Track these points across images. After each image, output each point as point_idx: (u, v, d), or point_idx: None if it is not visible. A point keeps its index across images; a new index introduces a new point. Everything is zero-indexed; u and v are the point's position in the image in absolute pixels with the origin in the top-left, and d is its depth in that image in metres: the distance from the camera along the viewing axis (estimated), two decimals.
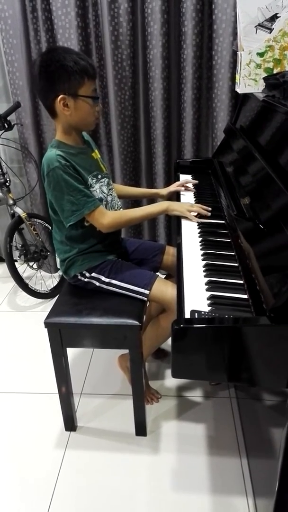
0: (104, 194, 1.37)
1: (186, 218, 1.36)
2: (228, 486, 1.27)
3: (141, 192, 1.74)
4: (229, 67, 1.84)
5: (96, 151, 1.42)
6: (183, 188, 1.60)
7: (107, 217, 1.31)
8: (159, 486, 1.28)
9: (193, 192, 1.61)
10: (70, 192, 1.24)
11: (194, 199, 1.55)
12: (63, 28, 1.95)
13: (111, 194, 1.41)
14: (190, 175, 1.82)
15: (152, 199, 2.21)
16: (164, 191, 1.61)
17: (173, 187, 1.60)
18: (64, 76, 1.19)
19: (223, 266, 1.10)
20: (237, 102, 1.87)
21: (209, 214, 1.35)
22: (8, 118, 2.10)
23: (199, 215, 1.36)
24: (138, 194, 1.72)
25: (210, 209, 1.37)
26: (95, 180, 1.34)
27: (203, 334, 0.83)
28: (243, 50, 1.64)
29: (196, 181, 1.64)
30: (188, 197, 1.57)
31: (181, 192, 1.60)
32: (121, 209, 1.46)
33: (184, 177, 1.79)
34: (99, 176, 1.36)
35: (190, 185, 1.64)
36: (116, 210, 1.42)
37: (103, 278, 1.37)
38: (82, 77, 1.21)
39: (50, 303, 2.25)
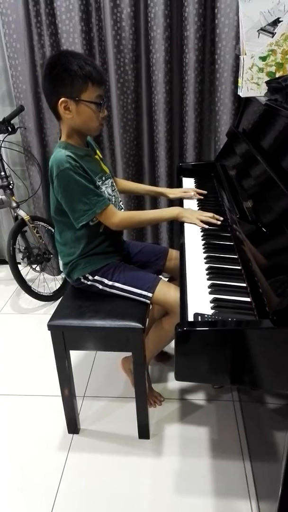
0: (110, 196, 1.38)
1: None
2: (232, 489, 1.27)
3: (146, 189, 1.72)
4: (231, 71, 1.85)
5: (98, 152, 1.43)
6: (192, 193, 1.58)
7: (117, 216, 1.32)
8: (162, 489, 1.28)
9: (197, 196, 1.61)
10: (82, 192, 1.25)
11: (197, 202, 1.56)
12: (67, 33, 1.96)
13: (114, 195, 1.42)
14: (193, 179, 1.82)
15: (155, 199, 2.23)
16: (170, 194, 1.59)
17: (179, 192, 1.59)
18: (67, 80, 1.20)
19: (226, 269, 1.10)
20: (239, 105, 1.88)
21: (219, 222, 1.33)
22: (12, 122, 2.12)
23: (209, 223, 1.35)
24: (143, 191, 1.70)
25: (222, 218, 1.35)
26: (101, 182, 1.35)
27: (206, 337, 0.84)
28: (245, 54, 1.65)
29: (205, 192, 1.61)
30: (190, 200, 1.58)
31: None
32: (123, 210, 1.46)
33: (187, 181, 1.80)
34: (104, 178, 1.37)
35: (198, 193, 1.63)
36: (119, 210, 1.43)
37: (106, 281, 1.38)
38: (85, 82, 1.21)
39: (52, 306, 2.26)
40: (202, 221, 1.34)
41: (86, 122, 1.27)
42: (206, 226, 1.33)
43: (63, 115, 1.25)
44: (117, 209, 1.35)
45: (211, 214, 1.36)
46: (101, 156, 1.44)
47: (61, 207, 1.31)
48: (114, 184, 1.46)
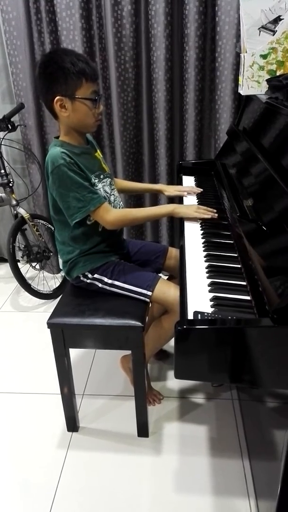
0: (107, 194, 1.37)
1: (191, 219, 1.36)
2: (230, 488, 1.27)
3: (143, 187, 1.73)
4: (232, 69, 1.85)
5: (99, 151, 1.43)
6: (185, 193, 1.59)
7: (112, 214, 1.31)
8: (161, 487, 1.28)
9: (195, 194, 1.61)
10: (76, 189, 1.25)
11: (197, 200, 1.56)
12: (67, 30, 1.96)
13: (113, 194, 1.41)
14: (193, 177, 1.82)
15: (154, 195, 2.24)
16: (166, 191, 1.59)
17: (174, 190, 1.60)
18: (61, 78, 1.20)
19: (226, 267, 1.10)
20: (239, 104, 1.87)
21: (216, 216, 1.35)
22: (12, 119, 2.11)
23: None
24: (140, 189, 1.72)
25: (215, 210, 1.36)
26: (97, 180, 1.34)
27: (206, 335, 0.83)
28: (246, 52, 1.65)
29: (201, 189, 1.62)
30: (191, 198, 1.57)
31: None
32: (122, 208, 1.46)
33: (187, 179, 1.80)
34: (102, 176, 1.37)
35: (195, 191, 1.63)
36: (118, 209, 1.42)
37: (105, 280, 1.37)
38: (79, 79, 1.21)
39: (52, 304, 2.26)
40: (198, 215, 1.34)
41: (82, 119, 1.27)
42: (204, 216, 1.33)
43: (59, 113, 1.25)
44: (112, 207, 1.34)
45: (205, 208, 1.36)
46: (101, 155, 1.44)
47: (57, 205, 1.30)
48: (114, 183, 1.45)
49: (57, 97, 1.22)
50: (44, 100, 1.28)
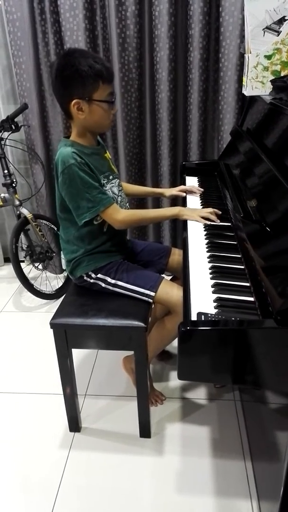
0: (115, 195, 1.38)
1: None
2: (232, 489, 1.26)
3: (146, 191, 1.75)
4: (236, 69, 1.84)
5: (108, 152, 1.43)
6: (184, 194, 1.59)
7: (120, 214, 1.31)
8: (163, 488, 1.28)
9: (199, 194, 1.61)
10: (86, 189, 1.25)
11: (200, 201, 1.56)
12: (71, 30, 1.96)
13: (120, 196, 1.42)
14: (196, 177, 1.82)
15: (156, 198, 2.24)
16: (167, 192, 1.61)
17: (175, 191, 1.60)
18: (79, 81, 1.20)
19: (229, 268, 1.10)
20: (243, 104, 1.87)
21: (218, 221, 1.35)
22: (15, 120, 2.12)
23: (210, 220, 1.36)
24: (143, 192, 1.73)
25: (220, 212, 1.37)
26: (106, 180, 1.35)
27: (209, 336, 0.83)
28: (250, 53, 1.65)
29: (202, 189, 1.63)
30: (193, 199, 1.57)
31: (187, 194, 1.60)
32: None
33: (190, 180, 1.80)
34: (110, 177, 1.37)
35: (195, 190, 1.63)
36: None
37: (109, 280, 1.37)
38: (96, 81, 1.21)
39: (55, 304, 2.26)
40: (202, 217, 1.35)
41: (98, 121, 1.27)
42: (208, 222, 1.34)
43: (75, 115, 1.25)
44: (120, 208, 1.35)
45: (210, 210, 1.37)
46: (110, 156, 1.44)
47: (65, 204, 1.31)
48: (121, 184, 1.46)
49: (75, 100, 1.21)
50: (60, 102, 1.27)
